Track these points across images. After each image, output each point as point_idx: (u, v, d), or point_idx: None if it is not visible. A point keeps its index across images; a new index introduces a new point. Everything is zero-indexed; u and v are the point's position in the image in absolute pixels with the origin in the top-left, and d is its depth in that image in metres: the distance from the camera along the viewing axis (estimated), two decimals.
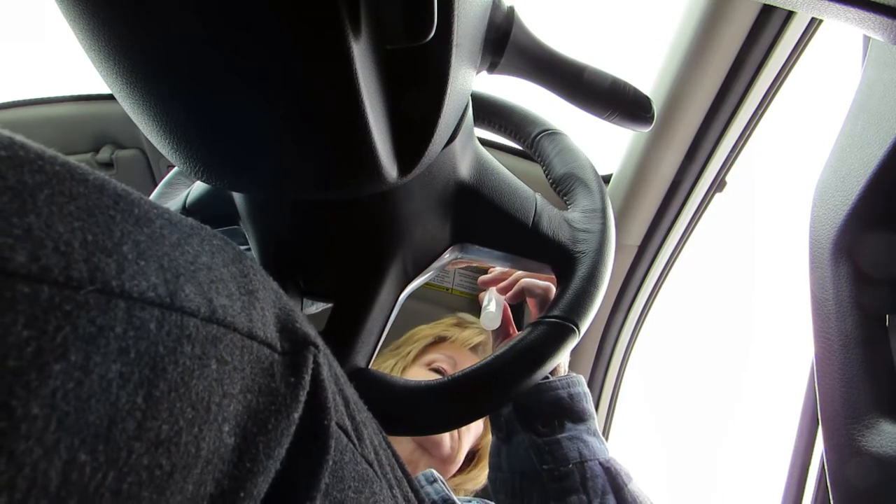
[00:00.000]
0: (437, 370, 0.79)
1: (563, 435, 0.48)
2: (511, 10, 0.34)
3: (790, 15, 0.61)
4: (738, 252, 1.08)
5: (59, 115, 1.05)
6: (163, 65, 0.24)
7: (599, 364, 0.96)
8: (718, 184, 0.78)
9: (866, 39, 0.34)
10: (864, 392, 0.29)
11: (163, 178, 0.51)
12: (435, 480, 0.55)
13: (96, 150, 1.06)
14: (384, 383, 0.35)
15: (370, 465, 0.23)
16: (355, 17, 0.22)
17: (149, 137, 0.29)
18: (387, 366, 0.82)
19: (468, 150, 0.39)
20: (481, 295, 0.58)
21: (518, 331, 0.58)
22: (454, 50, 0.27)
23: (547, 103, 0.44)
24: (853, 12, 0.26)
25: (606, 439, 1.02)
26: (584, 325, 0.37)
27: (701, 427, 1.27)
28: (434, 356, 0.81)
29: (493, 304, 0.55)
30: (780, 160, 0.90)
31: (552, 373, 0.52)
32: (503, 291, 0.55)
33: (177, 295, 0.15)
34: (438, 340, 0.85)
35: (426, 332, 0.87)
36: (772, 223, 1.02)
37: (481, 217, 0.39)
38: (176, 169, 0.53)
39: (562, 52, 0.37)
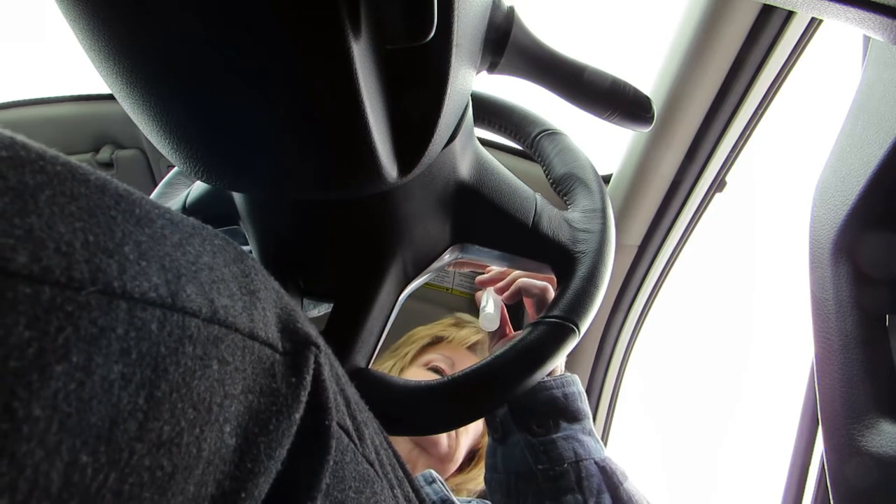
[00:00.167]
0: (434, 370, 0.79)
1: (559, 435, 0.48)
2: (511, 10, 0.34)
3: (790, 15, 0.61)
4: (738, 252, 1.08)
5: (59, 115, 1.05)
6: (163, 65, 0.24)
7: (599, 364, 0.96)
8: (718, 184, 0.78)
9: (866, 39, 0.34)
10: (864, 392, 0.29)
11: (163, 178, 0.51)
12: (434, 481, 0.55)
13: (96, 150, 1.06)
14: (384, 383, 0.35)
15: (371, 464, 0.23)
16: (355, 17, 0.22)
17: (149, 137, 0.29)
18: (385, 367, 0.82)
19: (468, 150, 0.39)
20: (478, 295, 0.58)
21: (516, 331, 0.58)
22: (454, 50, 0.27)
23: (547, 103, 0.44)
24: (853, 12, 0.26)
25: (606, 439, 1.02)
26: (584, 325, 0.37)
27: (701, 427, 1.27)
28: (432, 356, 0.81)
29: (490, 305, 0.55)
30: (780, 160, 0.90)
31: (549, 373, 0.52)
32: (500, 291, 0.55)
33: (178, 295, 0.15)
34: (436, 341, 0.85)
35: (423, 332, 0.87)
36: (772, 223, 1.02)
37: (481, 217, 0.39)
38: (176, 169, 0.53)
39: (562, 52, 0.37)
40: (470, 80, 0.33)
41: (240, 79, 0.24)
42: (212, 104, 0.26)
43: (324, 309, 0.42)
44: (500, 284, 0.56)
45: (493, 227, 0.40)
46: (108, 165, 1.06)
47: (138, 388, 0.13)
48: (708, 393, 1.22)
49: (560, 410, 0.49)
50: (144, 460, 0.13)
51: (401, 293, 0.38)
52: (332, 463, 0.19)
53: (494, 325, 0.54)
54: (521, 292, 0.53)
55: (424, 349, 0.84)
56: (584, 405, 0.51)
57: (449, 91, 0.28)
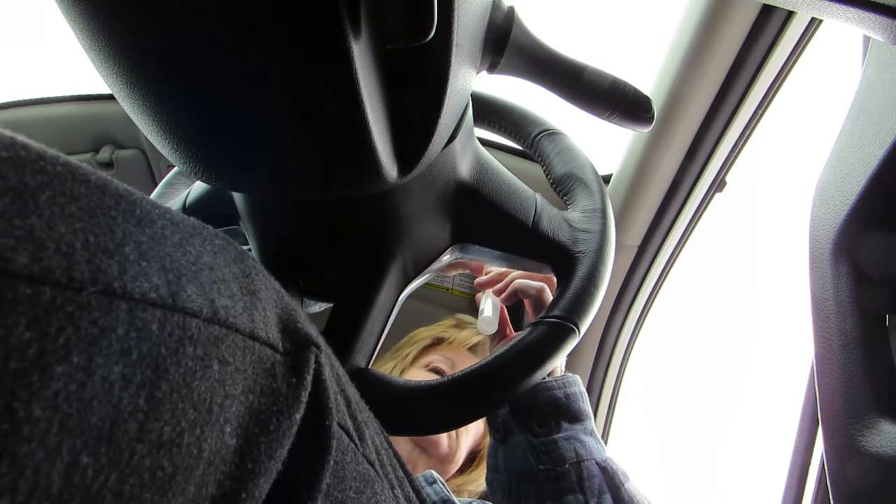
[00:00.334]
0: (435, 371, 0.79)
1: (560, 435, 0.48)
2: (511, 10, 0.34)
3: (790, 15, 0.61)
4: (738, 252, 1.08)
5: (59, 115, 1.05)
6: (163, 65, 0.24)
7: (599, 364, 0.96)
8: (718, 184, 0.78)
9: (866, 39, 0.34)
10: (864, 392, 0.29)
11: (163, 178, 0.51)
12: (434, 482, 0.55)
13: (96, 150, 1.06)
14: (384, 383, 0.35)
15: (371, 465, 0.23)
16: (355, 17, 0.22)
17: (149, 137, 0.29)
18: (386, 368, 0.82)
19: (468, 150, 0.39)
20: (478, 296, 0.58)
21: (516, 331, 0.58)
22: (454, 50, 0.27)
23: (547, 103, 0.44)
24: (853, 12, 0.26)
25: (606, 439, 1.02)
26: (584, 325, 0.37)
27: (701, 427, 1.27)
28: (432, 357, 0.81)
29: (488, 307, 0.54)
30: (780, 160, 0.90)
31: (549, 373, 0.52)
32: (498, 293, 0.55)
33: (179, 296, 0.15)
34: (436, 342, 0.85)
35: (424, 333, 0.87)
36: (772, 223, 1.02)
37: (481, 217, 0.39)
38: (176, 169, 0.53)
39: (562, 52, 0.37)
40: (470, 80, 0.33)
41: (240, 79, 0.24)
42: (212, 104, 0.26)
43: (323, 304, 0.42)
44: (498, 286, 0.56)
45: (493, 227, 0.40)
46: (108, 165, 1.06)
47: (139, 388, 0.13)
48: (708, 393, 1.22)
49: (561, 411, 0.49)
50: (145, 461, 0.13)
51: (401, 293, 0.38)
52: (332, 463, 0.19)
53: (493, 329, 0.54)
54: (517, 293, 0.53)
55: (425, 350, 0.84)
56: (586, 405, 0.51)
57: (449, 91, 0.28)
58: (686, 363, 1.24)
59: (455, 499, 0.54)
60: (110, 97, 0.74)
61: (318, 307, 0.43)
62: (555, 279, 0.41)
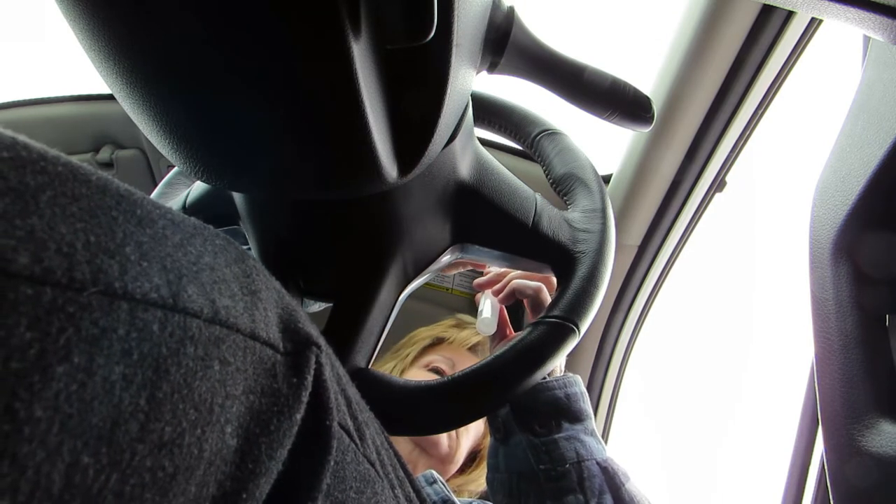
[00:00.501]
0: (435, 371, 0.79)
1: (561, 435, 0.48)
2: (511, 10, 0.34)
3: (790, 15, 0.61)
4: (738, 252, 1.08)
5: (59, 115, 1.05)
6: (163, 65, 0.24)
7: (599, 364, 0.96)
8: (718, 184, 0.78)
9: (866, 39, 0.34)
10: (864, 392, 0.29)
11: (163, 178, 0.51)
12: (435, 482, 0.55)
13: (96, 150, 1.06)
14: (384, 383, 0.35)
15: (372, 465, 0.23)
16: (355, 17, 0.22)
17: (149, 137, 0.29)
18: (386, 368, 0.82)
19: (468, 150, 0.39)
20: (477, 297, 0.58)
21: (516, 332, 0.58)
22: (454, 50, 0.27)
23: (547, 103, 0.44)
24: (853, 12, 0.26)
25: (606, 439, 1.02)
26: (584, 325, 0.37)
27: (701, 427, 1.27)
28: (432, 357, 0.81)
29: (487, 308, 0.54)
30: (780, 160, 0.90)
31: (549, 373, 0.52)
32: (497, 293, 0.55)
33: (179, 296, 0.15)
34: (437, 342, 0.85)
35: (424, 333, 0.87)
36: (772, 223, 1.02)
37: (481, 217, 0.39)
38: (176, 169, 0.53)
39: (562, 52, 0.37)
40: (470, 80, 0.33)
41: (240, 79, 0.24)
42: (212, 104, 0.26)
43: (323, 304, 0.42)
44: (497, 287, 0.56)
45: (493, 227, 0.40)
46: (108, 165, 1.06)
47: (140, 388, 0.13)
48: (708, 393, 1.22)
49: (562, 411, 0.49)
50: (146, 461, 0.13)
51: (401, 293, 0.38)
52: (333, 463, 0.19)
53: (491, 329, 0.54)
54: (515, 293, 0.53)
55: (425, 350, 0.84)
56: (587, 405, 0.51)
57: (449, 91, 0.28)
58: (686, 363, 1.24)
59: (455, 499, 0.54)
60: (110, 97, 0.74)
61: (318, 307, 0.43)
62: (553, 279, 0.41)
